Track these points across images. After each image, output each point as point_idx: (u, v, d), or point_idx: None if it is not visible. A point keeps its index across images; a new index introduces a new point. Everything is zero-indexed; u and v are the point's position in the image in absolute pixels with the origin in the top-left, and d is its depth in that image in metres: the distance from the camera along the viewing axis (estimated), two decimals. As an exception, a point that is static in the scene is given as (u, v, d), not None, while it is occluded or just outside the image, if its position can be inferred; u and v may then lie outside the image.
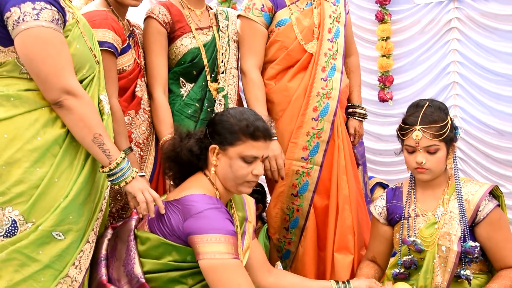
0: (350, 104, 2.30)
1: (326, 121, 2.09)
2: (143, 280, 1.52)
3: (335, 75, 2.12)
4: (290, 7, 2.15)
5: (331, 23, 2.15)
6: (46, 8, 1.42)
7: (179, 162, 1.67)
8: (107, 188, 1.64)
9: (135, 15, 2.08)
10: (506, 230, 1.73)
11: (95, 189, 1.58)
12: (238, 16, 2.18)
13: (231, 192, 1.68)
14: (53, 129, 1.48)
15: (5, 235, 1.45)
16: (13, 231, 1.45)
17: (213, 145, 1.62)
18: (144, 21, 2.04)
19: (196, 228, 1.50)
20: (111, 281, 1.57)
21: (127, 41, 1.91)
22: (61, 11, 1.47)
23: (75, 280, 1.52)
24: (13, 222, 1.45)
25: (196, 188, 1.59)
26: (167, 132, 1.92)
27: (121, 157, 1.52)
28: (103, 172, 1.53)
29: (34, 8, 1.40)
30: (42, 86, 1.45)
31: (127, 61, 1.90)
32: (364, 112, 2.31)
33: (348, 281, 1.77)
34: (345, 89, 2.23)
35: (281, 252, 2.23)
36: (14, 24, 1.40)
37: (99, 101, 1.60)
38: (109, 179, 1.54)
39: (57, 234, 1.47)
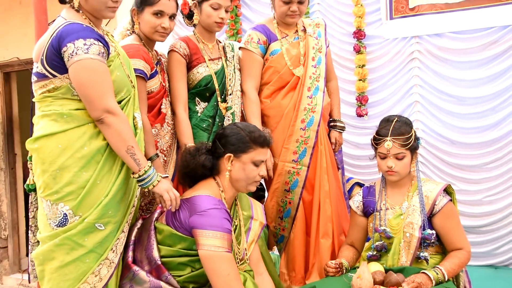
0: (331, 119, 2.29)
1: (312, 130, 2.11)
2: (159, 262, 1.54)
3: (318, 94, 2.14)
4: (281, 40, 2.17)
5: (314, 53, 2.17)
6: (94, 44, 1.45)
7: (194, 176, 1.68)
8: (138, 188, 1.65)
9: (161, 46, 2.11)
10: (456, 220, 1.75)
11: (129, 190, 1.61)
12: (240, 48, 2.20)
13: (240, 191, 1.68)
14: (97, 141, 1.51)
15: (58, 225, 1.49)
16: (64, 222, 1.48)
17: (228, 154, 1.63)
18: (168, 53, 2.07)
19: (198, 223, 1.52)
20: (135, 262, 1.60)
21: (155, 68, 1.93)
22: (106, 45, 1.50)
23: (112, 262, 1.55)
24: (64, 215, 1.48)
25: (204, 190, 1.61)
26: (187, 141, 1.93)
27: (148, 166, 1.54)
28: (133, 177, 1.54)
29: (85, 44, 1.44)
30: (88, 105, 1.48)
31: (154, 84, 1.91)
32: (343, 125, 2.30)
33: None
34: (327, 106, 2.23)
35: (277, 237, 2.24)
36: (69, 56, 1.43)
37: (134, 118, 1.62)
38: (139, 184, 1.55)
39: (99, 226, 1.51)
